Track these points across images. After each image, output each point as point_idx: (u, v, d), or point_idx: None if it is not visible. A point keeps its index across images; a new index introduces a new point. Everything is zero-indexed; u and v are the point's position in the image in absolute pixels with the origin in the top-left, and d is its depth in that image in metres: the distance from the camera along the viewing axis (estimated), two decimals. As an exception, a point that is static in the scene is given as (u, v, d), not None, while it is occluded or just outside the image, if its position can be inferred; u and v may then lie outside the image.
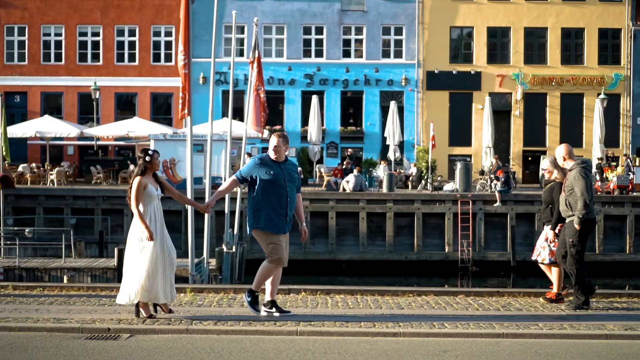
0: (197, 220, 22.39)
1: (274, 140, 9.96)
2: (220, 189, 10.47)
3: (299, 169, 10.09)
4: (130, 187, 9.75)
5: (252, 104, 24.04)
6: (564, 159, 11.20)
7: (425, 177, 32.96)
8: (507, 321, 10.09)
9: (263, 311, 10.17)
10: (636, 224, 28.39)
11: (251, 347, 8.74)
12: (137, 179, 9.74)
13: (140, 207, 9.68)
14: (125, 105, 39.78)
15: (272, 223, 9.86)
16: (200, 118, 35.62)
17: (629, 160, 32.30)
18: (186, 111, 18.01)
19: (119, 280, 20.86)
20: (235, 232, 23.35)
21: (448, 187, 30.94)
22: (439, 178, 33.41)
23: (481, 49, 39.28)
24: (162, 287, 9.75)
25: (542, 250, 11.50)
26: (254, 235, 10.13)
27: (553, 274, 11.50)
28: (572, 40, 39.60)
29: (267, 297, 10.22)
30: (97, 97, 36.39)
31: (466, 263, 27.87)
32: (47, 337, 9.16)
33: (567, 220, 10.95)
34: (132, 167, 32.29)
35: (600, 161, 32.78)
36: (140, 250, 9.71)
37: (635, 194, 29.73)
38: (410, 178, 33.48)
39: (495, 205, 28.59)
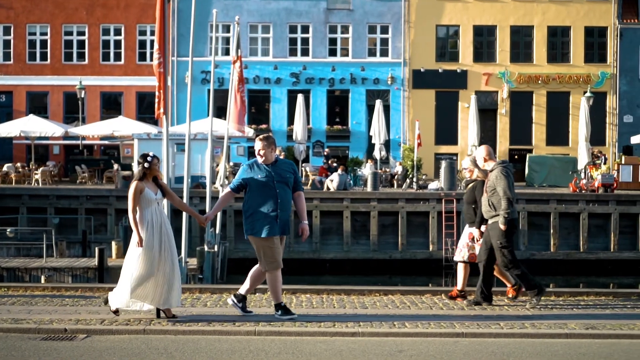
0: (175, 219, 22.39)
1: (257, 145, 10.00)
2: (218, 202, 10.49)
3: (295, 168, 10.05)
4: (128, 192, 9.77)
5: (234, 103, 23.96)
6: (485, 160, 11.14)
7: (410, 175, 32.91)
8: (469, 320, 10.06)
9: (230, 299, 10.21)
10: (620, 222, 28.37)
11: (206, 347, 8.69)
12: (135, 183, 9.74)
13: (137, 212, 9.70)
14: (111, 105, 39.70)
15: (263, 227, 9.85)
16: (185, 117, 35.56)
17: (603, 157, 32.34)
18: (162, 110, 17.85)
19: (100, 280, 20.93)
20: (217, 231, 23.26)
21: (433, 185, 30.90)
22: (423, 177, 33.36)
23: (467, 48, 39.25)
24: (154, 291, 9.71)
25: (464, 249, 11.40)
26: (250, 241, 10.13)
27: (459, 272, 11.45)
28: (558, 39, 39.59)
29: (241, 291, 10.25)
30: (82, 96, 36.30)
31: (450, 261, 27.71)
32: (3, 337, 9.09)
33: (490, 222, 10.88)
34: (116, 166, 32.23)
35: (595, 159, 32.76)
36: (137, 255, 9.72)
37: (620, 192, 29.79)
38: (396, 177, 33.43)
39: (479, 203, 28.49)
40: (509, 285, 11.44)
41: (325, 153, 35.82)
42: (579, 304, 11.38)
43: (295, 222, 10.24)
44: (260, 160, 9.97)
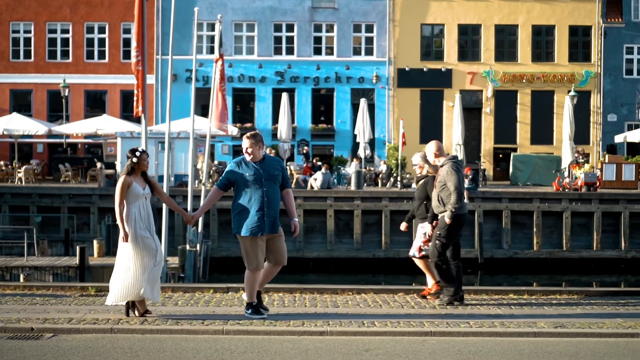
0: (156, 218, 22.31)
1: (245, 143, 9.97)
2: (206, 200, 10.41)
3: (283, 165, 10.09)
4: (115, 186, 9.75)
5: (215, 101, 23.91)
6: (435, 156, 11.16)
7: (395, 174, 32.92)
8: (440, 319, 10.05)
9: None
10: (603, 220, 28.42)
11: (171, 347, 8.65)
12: (122, 177, 9.73)
13: (124, 207, 9.66)
14: (95, 103, 39.56)
15: (248, 226, 9.83)
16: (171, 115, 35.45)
17: (581, 156, 32.39)
18: (140, 108, 17.81)
19: (81, 279, 20.84)
20: (199, 230, 23.19)
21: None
22: (407, 175, 33.38)
23: (452, 47, 39.28)
24: (148, 284, 9.71)
25: (423, 246, 11.39)
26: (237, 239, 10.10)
27: (423, 268, 11.45)
28: (542, 38, 39.67)
29: (247, 299, 10.21)
30: (66, 94, 36.15)
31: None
32: (-32, 337, 9.04)
33: (439, 217, 10.92)
34: (99, 164, 32.12)
35: (579, 157, 32.79)
36: (123, 250, 9.74)
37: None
38: (380, 176, 33.43)
39: (463, 202, 28.51)
40: (432, 281, 11.39)
41: (304, 151, 35.81)
42: (551, 302, 11.40)
43: (285, 219, 10.17)
44: (248, 158, 9.95)
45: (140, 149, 9.92)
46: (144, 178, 9.86)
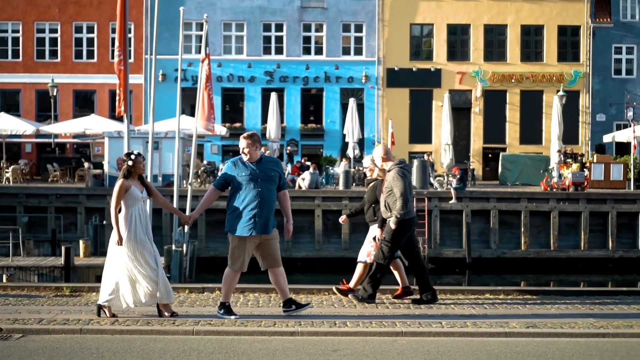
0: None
1: (242, 143, 9.95)
2: (202, 200, 10.33)
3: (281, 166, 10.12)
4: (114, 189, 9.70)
5: (202, 101, 23.87)
6: (383, 160, 11.11)
7: (383, 174, 32.85)
8: (413, 319, 10.03)
9: (283, 311, 10.16)
10: (591, 220, 28.44)
11: (139, 347, 8.62)
12: (120, 181, 9.67)
13: (123, 210, 9.62)
14: (84, 103, 39.48)
15: (239, 226, 9.82)
16: (159, 115, 35.42)
17: (562, 155, 32.42)
18: (122, 108, 17.78)
19: (67, 279, 20.78)
20: (186, 230, 23.12)
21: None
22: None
23: (441, 46, 39.31)
24: (148, 288, 9.67)
25: (372, 250, 11.36)
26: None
27: (357, 272, 11.42)
28: (531, 38, 39.72)
29: (281, 298, 10.28)
30: (54, 94, 36.07)
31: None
32: (-63, 338, 9.00)
33: (387, 221, 10.88)
34: (86, 165, 32.04)
35: (565, 157, 32.78)
36: (120, 254, 9.66)
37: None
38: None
39: (450, 202, 28.55)
40: (400, 284, 11.34)
41: (287, 151, 35.80)
42: (526, 302, 11.38)
43: (281, 219, 10.17)
44: (244, 158, 9.93)
45: (135, 152, 9.89)
46: (140, 181, 9.82)
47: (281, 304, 10.40)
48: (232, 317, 9.90)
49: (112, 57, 38.35)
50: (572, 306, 11.12)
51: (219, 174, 31.29)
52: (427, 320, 9.98)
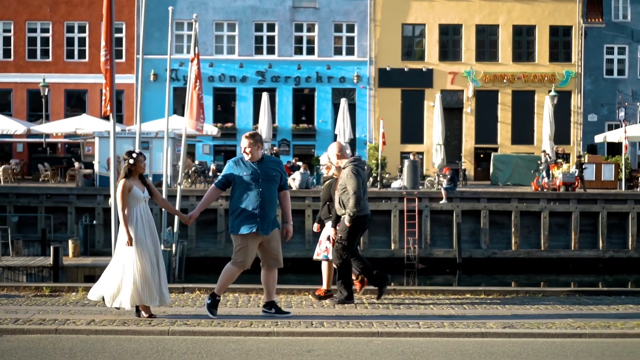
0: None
1: (244, 142, 9.94)
2: (203, 199, 10.28)
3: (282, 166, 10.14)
4: (116, 190, 9.63)
5: (190, 101, 23.83)
6: (337, 157, 11.06)
7: (374, 174, 32.91)
8: (390, 319, 10.01)
9: (262, 311, 10.13)
10: (581, 220, 28.47)
11: (113, 348, 8.60)
12: (122, 181, 9.62)
13: (126, 211, 9.58)
14: (75, 102, 39.43)
15: (241, 225, 9.80)
16: (151, 115, 35.44)
17: (579, 160, 32.30)
18: (108, 108, 17.72)
19: (55, 279, 20.75)
20: (175, 229, 23.08)
21: (396, 184, 30.90)
22: (386, 175, 33.37)
23: (433, 46, 39.30)
24: (148, 290, 9.64)
25: (329, 247, 11.32)
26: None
27: (323, 271, 11.39)
28: (523, 38, 39.74)
29: (265, 299, 10.23)
30: (46, 94, 36.02)
31: (412, 260, 27.80)
32: None
33: (341, 219, 10.84)
34: (77, 164, 32.02)
35: (579, 159, 32.67)
36: (128, 254, 9.63)
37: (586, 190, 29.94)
38: (360, 175, 33.36)
39: (441, 202, 28.57)
40: (324, 286, 11.25)
41: (274, 152, 35.77)
42: (505, 303, 11.36)
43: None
44: (246, 157, 9.91)
45: (137, 151, 9.85)
46: (141, 181, 9.78)
47: (261, 304, 10.38)
48: (212, 315, 9.88)
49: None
50: (552, 306, 11.12)
51: (210, 174, 31.53)
52: (404, 320, 9.97)
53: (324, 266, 11.26)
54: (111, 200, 18.36)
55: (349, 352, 8.62)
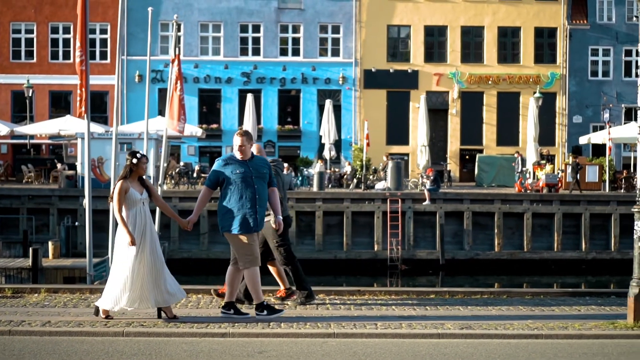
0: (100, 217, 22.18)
1: (237, 140, 9.91)
2: (198, 202, 10.16)
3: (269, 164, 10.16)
4: (113, 191, 9.59)
5: (170, 102, 23.82)
6: None
7: (358, 175, 32.92)
8: (349, 321, 9.97)
9: (221, 312, 10.12)
10: (564, 221, 28.52)
11: (64, 349, 8.56)
12: (120, 183, 9.56)
13: (123, 212, 9.53)
14: (60, 104, 39.34)
15: (241, 224, 9.78)
16: (135, 116, 35.43)
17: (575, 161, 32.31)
18: (83, 109, 17.69)
19: (34, 281, 20.68)
20: (157, 231, 22.99)
21: (379, 185, 30.91)
22: (370, 177, 33.38)
23: (418, 48, 39.30)
24: (151, 291, 9.58)
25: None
26: (226, 238, 10.00)
27: (273, 272, 11.33)
28: (508, 39, 39.76)
29: (226, 299, 10.16)
30: (30, 95, 35.93)
31: (395, 261, 27.82)
32: None
33: (265, 221, 10.72)
34: (59, 165, 31.95)
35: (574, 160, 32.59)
36: (126, 256, 9.57)
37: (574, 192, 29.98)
38: (345, 177, 33.42)
39: (424, 203, 28.58)
40: (282, 287, 11.22)
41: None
42: (469, 304, 11.32)
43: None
44: (239, 156, 9.89)
45: (140, 152, 9.79)
46: (140, 182, 9.71)
47: (221, 305, 10.36)
48: (276, 311, 9.91)
49: (89, 58, 38.35)
50: (514, 307, 11.09)
51: (195, 175, 31.47)
52: (363, 321, 9.94)
53: (271, 267, 11.18)
54: (85, 201, 18.38)
55: (300, 353, 8.59)
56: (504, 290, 12.55)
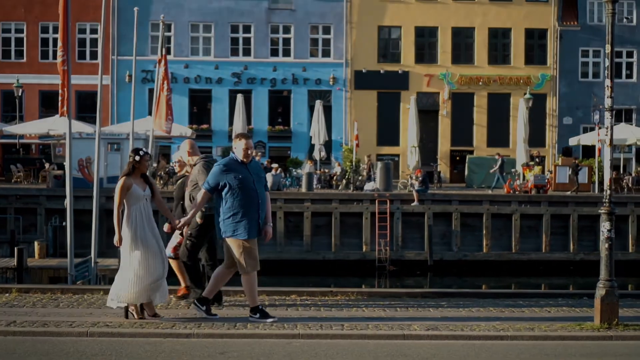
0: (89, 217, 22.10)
1: (244, 144, 9.81)
2: (196, 205, 10.07)
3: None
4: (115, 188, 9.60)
5: (157, 102, 23.84)
6: (189, 154, 11.04)
7: (347, 176, 32.92)
8: (316, 321, 9.93)
9: (193, 305, 10.10)
10: (552, 222, 28.51)
11: (23, 349, 8.51)
12: (122, 179, 9.56)
13: (125, 210, 9.51)
14: (50, 103, 39.27)
15: (246, 229, 9.71)
16: (126, 116, 35.33)
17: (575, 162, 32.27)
18: (65, 109, 17.65)
19: (19, 281, 20.66)
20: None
21: (368, 186, 30.90)
22: (359, 178, 33.38)
23: (409, 49, 39.33)
24: (145, 288, 9.58)
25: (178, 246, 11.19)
26: (227, 243, 9.87)
27: (175, 270, 11.28)
28: (499, 40, 39.79)
29: (205, 293, 10.10)
30: (20, 94, 35.90)
31: (383, 262, 27.81)
32: None
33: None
34: (47, 165, 31.93)
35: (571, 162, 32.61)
36: (128, 253, 9.58)
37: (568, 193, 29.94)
38: (335, 177, 33.42)
39: (412, 204, 28.57)
40: (183, 284, 11.19)
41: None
42: (439, 305, 11.29)
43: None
44: (244, 158, 9.81)
45: (143, 150, 9.79)
46: (143, 179, 9.72)
47: (192, 298, 10.31)
48: (273, 319, 9.83)
49: (79, 58, 38.35)
50: (484, 308, 11.07)
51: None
52: (330, 322, 9.90)
53: (174, 265, 11.07)
54: (66, 202, 18.34)
55: (263, 354, 8.56)
56: (477, 291, 12.64)
